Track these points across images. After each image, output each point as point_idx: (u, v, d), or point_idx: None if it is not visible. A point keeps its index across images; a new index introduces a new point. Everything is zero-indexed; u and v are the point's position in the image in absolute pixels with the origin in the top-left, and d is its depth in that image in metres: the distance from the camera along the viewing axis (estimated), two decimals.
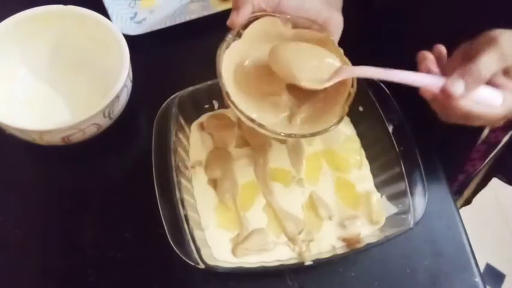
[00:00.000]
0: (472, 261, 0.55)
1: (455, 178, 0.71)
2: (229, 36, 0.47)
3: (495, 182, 0.73)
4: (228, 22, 0.47)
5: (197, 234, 0.50)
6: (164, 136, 0.53)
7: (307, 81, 0.44)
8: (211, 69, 0.62)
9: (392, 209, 0.54)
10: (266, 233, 0.53)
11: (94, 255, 0.53)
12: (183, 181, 0.53)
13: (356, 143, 0.60)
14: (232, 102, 0.44)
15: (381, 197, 0.56)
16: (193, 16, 0.68)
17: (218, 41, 0.70)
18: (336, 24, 0.49)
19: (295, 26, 0.48)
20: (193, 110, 0.59)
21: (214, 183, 0.55)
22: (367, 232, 0.53)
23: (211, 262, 0.48)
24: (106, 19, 0.57)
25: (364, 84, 0.59)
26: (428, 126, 0.61)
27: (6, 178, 0.58)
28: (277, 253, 0.52)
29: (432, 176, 0.58)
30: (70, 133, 0.51)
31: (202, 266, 0.47)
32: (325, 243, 0.52)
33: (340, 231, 0.53)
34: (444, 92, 0.39)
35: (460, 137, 0.64)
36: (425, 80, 0.40)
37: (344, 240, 0.53)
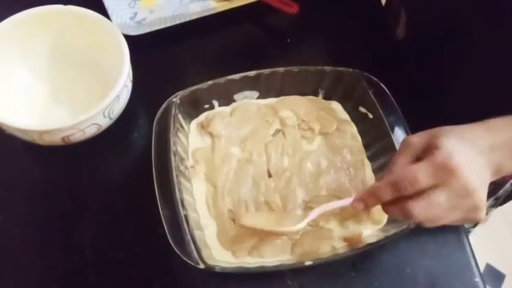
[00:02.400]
0: (472, 261, 0.55)
1: None
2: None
3: None
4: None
5: (197, 234, 0.50)
6: (164, 136, 0.53)
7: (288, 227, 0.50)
8: (211, 69, 0.63)
9: None
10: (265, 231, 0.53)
11: (94, 255, 0.53)
12: (183, 181, 0.53)
13: (357, 141, 0.60)
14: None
15: None
16: (193, 16, 0.68)
17: (218, 41, 0.70)
18: None
19: None
20: (193, 109, 0.59)
21: (213, 183, 0.56)
22: (368, 232, 0.53)
23: (211, 262, 0.48)
24: (106, 19, 0.57)
25: (364, 84, 0.59)
26: (428, 126, 0.61)
27: (6, 178, 0.58)
28: (277, 253, 0.52)
29: None
30: (70, 133, 0.51)
31: (202, 266, 0.47)
32: (325, 243, 0.52)
33: (341, 231, 0.53)
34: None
35: None
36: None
37: (345, 240, 0.52)
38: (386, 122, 0.56)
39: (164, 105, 0.56)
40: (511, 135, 0.43)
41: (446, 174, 0.39)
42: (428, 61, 0.65)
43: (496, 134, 0.43)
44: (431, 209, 0.40)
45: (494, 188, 0.67)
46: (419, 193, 0.40)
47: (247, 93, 0.61)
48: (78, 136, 0.52)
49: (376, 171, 0.58)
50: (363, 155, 0.59)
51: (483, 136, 0.42)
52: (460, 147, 0.40)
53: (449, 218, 0.41)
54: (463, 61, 0.59)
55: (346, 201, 0.48)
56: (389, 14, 0.73)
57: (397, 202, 0.42)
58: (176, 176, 0.51)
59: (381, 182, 0.43)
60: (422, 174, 0.40)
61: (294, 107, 0.61)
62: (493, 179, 0.42)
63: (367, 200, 0.45)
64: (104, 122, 0.53)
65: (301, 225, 0.49)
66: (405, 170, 0.41)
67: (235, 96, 0.61)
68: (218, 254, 0.51)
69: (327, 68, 0.60)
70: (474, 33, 0.55)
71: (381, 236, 0.52)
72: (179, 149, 0.55)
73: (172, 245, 0.47)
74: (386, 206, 0.44)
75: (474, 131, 0.43)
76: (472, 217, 0.41)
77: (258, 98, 0.62)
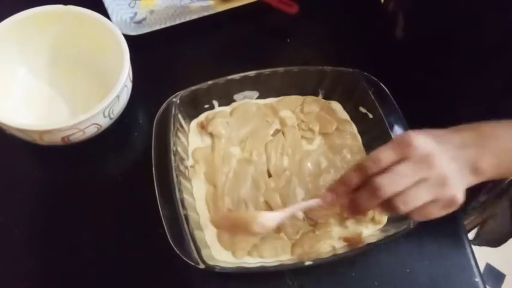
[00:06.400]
0: (472, 261, 0.55)
1: None
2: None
3: None
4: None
5: (197, 234, 0.50)
6: (164, 136, 0.53)
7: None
8: (211, 69, 0.63)
9: None
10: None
11: (94, 255, 0.53)
12: (183, 181, 0.53)
13: (357, 141, 0.60)
14: None
15: None
16: (193, 16, 0.68)
17: (218, 41, 0.70)
18: None
19: None
20: (193, 109, 0.59)
21: (213, 182, 0.56)
22: (368, 232, 0.53)
23: (211, 262, 0.48)
24: (106, 19, 0.57)
25: (364, 84, 0.59)
26: (428, 126, 0.61)
27: (6, 178, 0.58)
28: (277, 253, 0.52)
29: None
30: (70, 133, 0.51)
31: (202, 266, 0.47)
32: (325, 243, 0.52)
33: (341, 231, 0.53)
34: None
35: None
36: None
37: (345, 240, 0.53)
38: (386, 122, 0.56)
39: (164, 105, 0.56)
40: (485, 132, 0.43)
41: (405, 146, 0.41)
42: (428, 61, 0.65)
43: (467, 132, 0.43)
44: (396, 180, 0.40)
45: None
46: (384, 170, 0.41)
47: (247, 93, 0.61)
48: (78, 136, 0.52)
49: None
50: (363, 155, 0.59)
51: (453, 135, 0.43)
52: (427, 138, 0.41)
53: (422, 197, 0.41)
54: (462, 61, 0.59)
55: (314, 202, 0.46)
56: (388, 14, 0.73)
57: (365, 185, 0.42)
58: (176, 176, 0.51)
59: (347, 170, 0.44)
60: (383, 151, 0.41)
61: (294, 107, 0.61)
62: (472, 179, 0.42)
63: (337, 188, 0.45)
64: (104, 122, 0.53)
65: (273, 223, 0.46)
66: (369, 154, 0.43)
67: (235, 96, 0.61)
68: (218, 254, 0.51)
69: (327, 68, 0.60)
70: (474, 32, 0.55)
71: (381, 236, 0.52)
72: (179, 149, 0.55)
73: (172, 245, 0.47)
74: (355, 194, 0.43)
75: (445, 132, 0.44)
76: (446, 197, 0.41)
77: (258, 98, 0.62)
